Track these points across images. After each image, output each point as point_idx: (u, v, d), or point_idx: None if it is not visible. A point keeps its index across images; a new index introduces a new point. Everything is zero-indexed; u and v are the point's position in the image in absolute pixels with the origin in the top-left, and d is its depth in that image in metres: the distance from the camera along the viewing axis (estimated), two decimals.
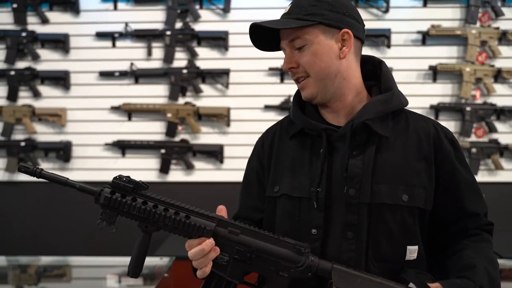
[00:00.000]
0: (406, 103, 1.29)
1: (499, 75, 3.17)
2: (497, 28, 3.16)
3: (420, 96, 3.18)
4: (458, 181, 1.26)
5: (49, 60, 3.30)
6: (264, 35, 1.25)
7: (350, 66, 1.25)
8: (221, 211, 1.18)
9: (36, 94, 3.29)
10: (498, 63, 3.19)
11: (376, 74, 1.31)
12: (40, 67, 3.30)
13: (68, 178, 1.17)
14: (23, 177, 3.32)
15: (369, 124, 1.21)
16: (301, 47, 1.22)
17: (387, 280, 1.15)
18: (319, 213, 1.21)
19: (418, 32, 3.18)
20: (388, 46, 3.17)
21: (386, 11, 3.17)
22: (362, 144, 1.23)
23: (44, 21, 3.27)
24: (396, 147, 1.24)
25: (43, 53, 3.30)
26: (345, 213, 1.20)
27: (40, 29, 3.28)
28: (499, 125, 3.20)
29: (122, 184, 1.13)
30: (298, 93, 1.33)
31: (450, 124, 3.20)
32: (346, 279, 1.13)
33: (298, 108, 1.31)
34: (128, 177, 1.15)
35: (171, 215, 1.13)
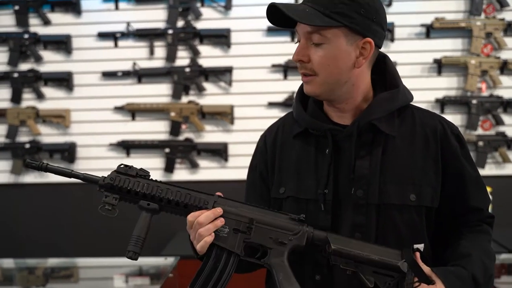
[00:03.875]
0: (412, 98, 1.27)
1: (505, 67, 3.13)
2: (502, 19, 3.13)
3: (425, 90, 3.15)
4: (464, 177, 1.25)
5: (51, 62, 3.30)
6: (281, 13, 1.15)
7: (362, 73, 1.20)
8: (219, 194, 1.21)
9: (40, 96, 3.29)
10: (504, 55, 3.15)
11: (379, 68, 1.26)
12: (43, 68, 3.30)
13: (72, 170, 1.21)
14: (29, 179, 3.33)
15: (376, 123, 1.19)
16: (318, 44, 1.14)
17: (378, 247, 1.17)
18: (327, 215, 1.20)
19: (422, 25, 3.15)
20: (392, 40, 3.14)
21: (389, 4, 3.15)
22: (368, 144, 1.21)
23: (46, 22, 3.26)
24: (403, 146, 1.21)
25: (46, 54, 3.29)
26: (353, 214, 1.19)
27: (42, 30, 3.28)
28: (506, 118, 3.16)
29: (124, 171, 1.19)
30: (300, 91, 1.29)
31: (456, 118, 3.18)
32: (341, 241, 1.16)
33: (301, 106, 1.28)
34: (131, 166, 1.20)
35: (173, 190, 1.17)
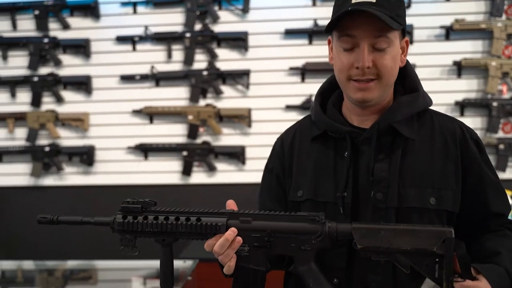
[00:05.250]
0: (431, 103, 1.27)
1: None
2: None
3: (445, 92, 3.11)
4: (484, 182, 1.23)
5: (71, 66, 3.33)
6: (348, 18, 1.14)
7: None
8: (230, 205, 1.19)
9: (59, 100, 3.32)
10: None
11: (399, 73, 1.25)
12: (63, 72, 3.33)
13: (82, 217, 1.26)
14: (49, 182, 3.37)
15: (396, 126, 1.19)
16: (381, 48, 1.14)
17: (411, 224, 1.13)
18: (346, 218, 1.19)
19: (442, 27, 3.11)
20: (411, 42, 3.11)
21: (408, 6, 3.11)
22: (388, 147, 1.21)
23: (65, 26, 3.30)
24: (422, 149, 1.21)
25: (65, 58, 3.33)
26: (372, 217, 1.19)
27: (62, 34, 3.32)
28: None
29: (132, 207, 1.19)
30: (319, 93, 1.31)
31: (476, 120, 3.13)
32: (368, 235, 1.11)
33: (320, 109, 1.28)
34: (135, 198, 1.20)
35: (182, 222, 1.17)
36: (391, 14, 1.12)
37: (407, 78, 1.26)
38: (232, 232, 1.12)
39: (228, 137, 3.28)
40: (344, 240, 1.17)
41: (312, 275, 1.15)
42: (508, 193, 3.11)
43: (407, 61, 1.27)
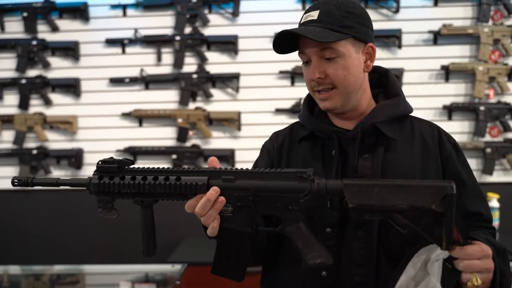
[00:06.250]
0: (412, 110, 1.34)
1: None
2: (510, 26, 3.11)
3: (433, 96, 3.14)
4: (460, 183, 1.25)
5: (59, 68, 3.31)
6: (285, 39, 1.23)
7: (366, 77, 1.30)
8: (213, 162, 1.16)
9: (47, 102, 3.30)
10: None
11: (381, 83, 1.36)
12: (51, 75, 3.31)
13: (58, 178, 1.21)
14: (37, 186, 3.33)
15: (378, 126, 1.25)
16: (331, 58, 1.21)
17: (408, 180, 1.09)
18: (333, 211, 1.22)
19: (430, 32, 3.14)
20: (399, 46, 3.14)
21: (397, 11, 3.14)
22: (371, 147, 1.26)
23: (54, 29, 3.28)
24: (403, 149, 1.27)
25: (54, 61, 3.31)
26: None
27: (50, 37, 3.30)
28: None
29: (107, 167, 1.14)
30: (308, 97, 1.37)
31: (463, 124, 3.16)
32: (360, 193, 1.05)
33: (308, 112, 1.35)
34: (112, 158, 1.15)
35: (160, 182, 1.11)
36: (332, 27, 1.19)
37: (389, 85, 1.34)
38: (214, 191, 1.09)
39: (218, 141, 3.28)
40: (333, 233, 1.19)
41: (301, 236, 1.10)
42: (495, 196, 3.16)
43: (389, 71, 1.36)
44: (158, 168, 1.15)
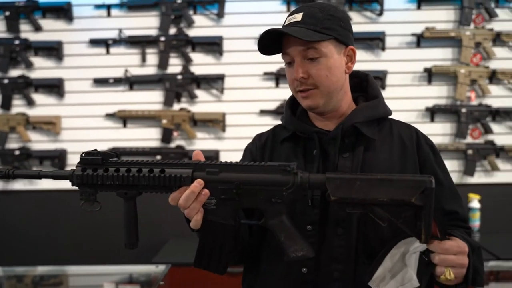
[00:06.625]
0: (391, 113, 1.37)
1: (493, 76, 3.17)
2: (491, 30, 3.17)
3: (416, 98, 3.17)
4: (437, 182, 1.26)
5: (42, 68, 3.29)
6: (269, 40, 1.26)
7: (347, 79, 1.34)
8: (197, 155, 1.17)
9: (30, 102, 3.27)
10: (493, 64, 3.19)
11: (361, 87, 1.40)
12: (34, 75, 3.28)
13: (40, 170, 1.19)
14: (18, 186, 3.31)
15: (358, 127, 1.29)
16: (313, 58, 1.24)
17: (389, 174, 1.11)
18: (314, 209, 1.24)
19: (413, 35, 3.18)
20: (383, 49, 3.17)
21: (380, 14, 3.18)
22: (351, 146, 1.29)
23: (37, 28, 3.25)
24: (382, 148, 1.31)
25: (37, 60, 3.28)
26: (336, 210, 1.23)
27: (33, 36, 3.27)
28: (494, 126, 3.20)
29: (91, 159, 1.13)
30: (290, 99, 1.41)
31: (446, 126, 3.20)
32: (342, 186, 1.07)
33: (291, 113, 1.38)
34: (95, 150, 1.15)
35: (144, 174, 1.12)
36: (315, 28, 1.23)
37: (369, 88, 1.38)
38: (198, 184, 1.09)
39: (202, 142, 3.28)
40: (314, 230, 1.21)
41: (283, 229, 1.11)
42: (476, 197, 3.20)
43: (369, 75, 1.41)
44: (142, 160, 1.15)
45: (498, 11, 3.19)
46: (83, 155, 1.14)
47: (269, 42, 1.26)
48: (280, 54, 1.29)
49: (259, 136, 1.46)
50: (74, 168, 1.16)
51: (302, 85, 1.27)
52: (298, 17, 1.25)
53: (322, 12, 1.25)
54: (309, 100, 1.28)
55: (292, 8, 3.16)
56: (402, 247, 1.12)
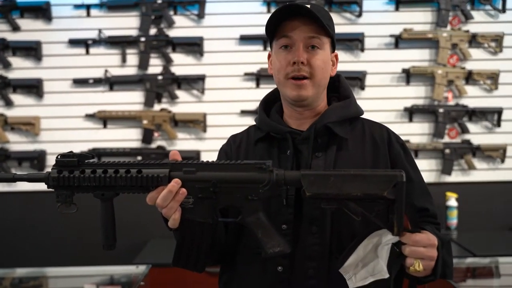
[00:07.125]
0: (362, 112, 1.41)
1: (470, 77, 3.23)
2: (467, 31, 3.23)
3: (394, 98, 3.22)
4: (407, 180, 1.28)
5: (21, 68, 3.25)
6: (279, 18, 1.27)
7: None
8: (174, 155, 1.19)
9: (8, 103, 3.23)
10: (469, 65, 3.25)
11: (334, 87, 1.42)
12: (12, 75, 3.24)
13: (15, 173, 1.19)
14: None
15: (330, 126, 1.31)
16: (314, 47, 1.28)
17: (362, 170, 1.15)
18: (289, 208, 1.26)
19: (391, 36, 3.22)
20: (362, 49, 3.21)
21: (359, 15, 3.21)
22: (324, 146, 1.32)
23: (15, 28, 3.22)
24: (354, 147, 1.33)
25: (15, 61, 3.24)
26: (310, 209, 1.26)
27: (11, 36, 3.23)
28: (471, 126, 3.26)
29: (67, 161, 1.13)
30: (264, 100, 1.44)
31: (424, 126, 3.25)
32: (317, 182, 1.10)
33: (264, 114, 1.40)
34: (71, 151, 1.15)
35: (122, 175, 1.12)
36: (323, 20, 1.26)
37: (340, 88, 1.42)
38: (175, 183, 1.11)
39: (183, 142, 3.28)
40: (289, 229, 1.23)
41: (260, 226, 1.13)
42: (454, 195, 3.26)
43: (341, 76, 1.44)
44: (119, 161, 1.16)
45: (474, 13, 3.25)
46: (59, 157, 1.14)
47: (277, 20, 1.27)
48: (267, 47, 1.31)
49: (233, 137, 1.47)
50: (50, 170, 1.16)
51: (300, 70, 1.27)
52: (307, 5, 1.26)
53: (325, 11, 1.32)
54: (301, 90, 1.29)
55: (273, 9, 3.18)
56: (375, 237, 1.14)
